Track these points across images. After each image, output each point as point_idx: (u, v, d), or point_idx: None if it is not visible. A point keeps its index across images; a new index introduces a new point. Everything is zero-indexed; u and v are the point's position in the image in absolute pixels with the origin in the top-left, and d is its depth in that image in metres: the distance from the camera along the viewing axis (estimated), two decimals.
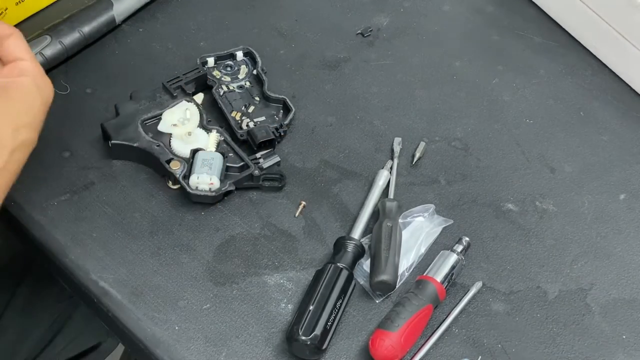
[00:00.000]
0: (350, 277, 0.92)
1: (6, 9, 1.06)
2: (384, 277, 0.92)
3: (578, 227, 1.02)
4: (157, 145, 0.98)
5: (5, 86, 0.84)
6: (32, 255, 1.13)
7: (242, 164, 0.99)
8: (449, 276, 0.93)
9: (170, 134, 1.00)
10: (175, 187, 0.99)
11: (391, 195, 1.00)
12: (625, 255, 1.00)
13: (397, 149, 1.05)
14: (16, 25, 1.04)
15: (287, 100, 1.04)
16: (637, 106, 1.13)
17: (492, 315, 0.94)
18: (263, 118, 1.03)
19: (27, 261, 1.18)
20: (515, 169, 1.06)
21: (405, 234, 0.97)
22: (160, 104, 1.02)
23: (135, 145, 0.98)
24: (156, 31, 1.12)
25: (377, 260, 0.93)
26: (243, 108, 1.04)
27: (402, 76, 1.13)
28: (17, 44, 0.86)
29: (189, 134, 1.00)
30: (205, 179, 0.95)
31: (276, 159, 1.00)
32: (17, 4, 1.07)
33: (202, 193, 0.96)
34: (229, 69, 1.07)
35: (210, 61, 1.06)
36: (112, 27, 1.10)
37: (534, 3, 1.22)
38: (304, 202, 1.00)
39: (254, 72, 1.07)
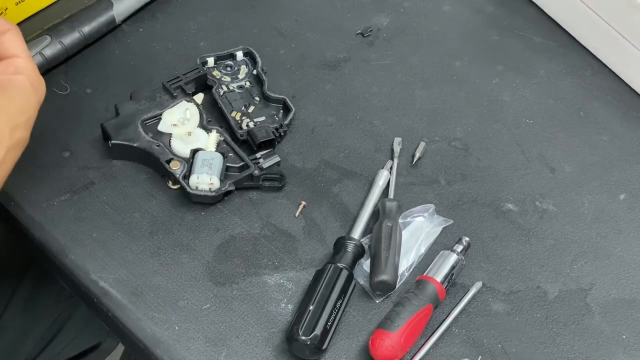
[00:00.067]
0: (350, 277, 0.92)
1: (6, 8, 1.06)
2: (384, 277, 0.92)
3: (578, 227, 1.02)
4: (157, 145, 0.98)
5: (3, 84, 0.84)
6: (32, 255, 1.13)
7: (242, 164, 0.99)
8: (449, 276, 0.93)
9: (170, 134, 1.00)
10: (175, 187, 0.99)
11: (391, 195, 1.00)
12: (625, 255, 1.00)
13: (397, 149, 1.05)
14: None
15: (287, 100, 1.04)
16: (637, 106, 1.13)
17: (492, 315, 0.94)
18: (263, 118, 1.03)
19: (27, 261, 1.18)
20: (515, 169, 1.06)
21: (405, 234, 0.97)
22: (160, 104, 1.02)
23: (135, 145, 0.98)
24: (156, 31, 1.12)
25: (377, 260, 0.93)
26: (243, 108, 1.04)
27: (402, 76, 1.13)
28: (13, 40, 0.86)
29: (189, 134, 1.00)
30: (205, 179, 0.95)
31: (276, 159, 1.00)
32: (17, 4, 1.07)
33: (202, 193, 0.96)
34: (229, 69, 1.07)
35: (210, 61, 1.06)
36: (112, 27, 1.10)
37: (534, 3, 1.21)
38: (304, 202, 1.00)
39: (254, 72, 1.07)
